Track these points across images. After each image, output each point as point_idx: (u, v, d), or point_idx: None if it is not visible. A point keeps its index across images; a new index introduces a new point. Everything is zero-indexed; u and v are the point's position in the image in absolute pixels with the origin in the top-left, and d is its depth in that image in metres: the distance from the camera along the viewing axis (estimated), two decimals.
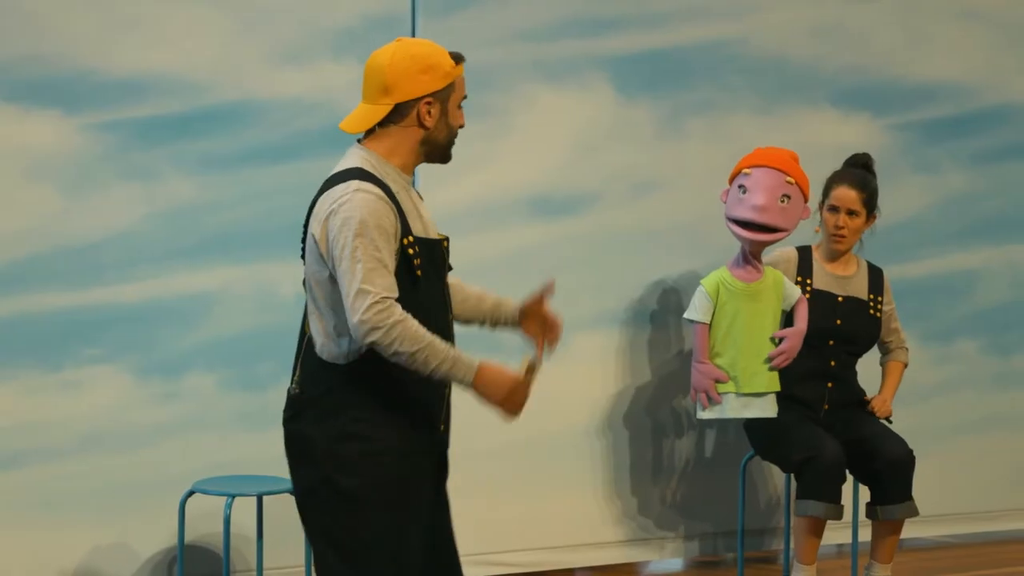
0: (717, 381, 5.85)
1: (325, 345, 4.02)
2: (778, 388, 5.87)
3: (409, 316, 3.92)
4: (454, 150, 4.16)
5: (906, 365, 6.17)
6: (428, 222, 4.14)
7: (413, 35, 6.01)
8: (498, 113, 6.19)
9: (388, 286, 3.91)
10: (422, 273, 4.03)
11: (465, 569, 6.26)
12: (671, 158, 6.47)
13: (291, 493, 4.21)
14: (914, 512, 5.84)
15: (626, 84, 6.37)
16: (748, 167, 5.82)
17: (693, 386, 5.90)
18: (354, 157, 4.06)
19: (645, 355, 6.47)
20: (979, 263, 7.03)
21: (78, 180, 5.60)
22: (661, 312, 6.47)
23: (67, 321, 5.61)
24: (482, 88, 6.15)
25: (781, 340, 5.83)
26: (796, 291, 5.89)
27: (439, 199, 6.05)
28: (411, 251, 4.01)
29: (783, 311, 5.90)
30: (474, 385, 4.03)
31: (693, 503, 6.54)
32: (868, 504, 5.88)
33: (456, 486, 6.17)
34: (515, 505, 6.27)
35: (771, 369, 5.83)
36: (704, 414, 5.89)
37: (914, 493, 5.86)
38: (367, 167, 4.02)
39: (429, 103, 4.04)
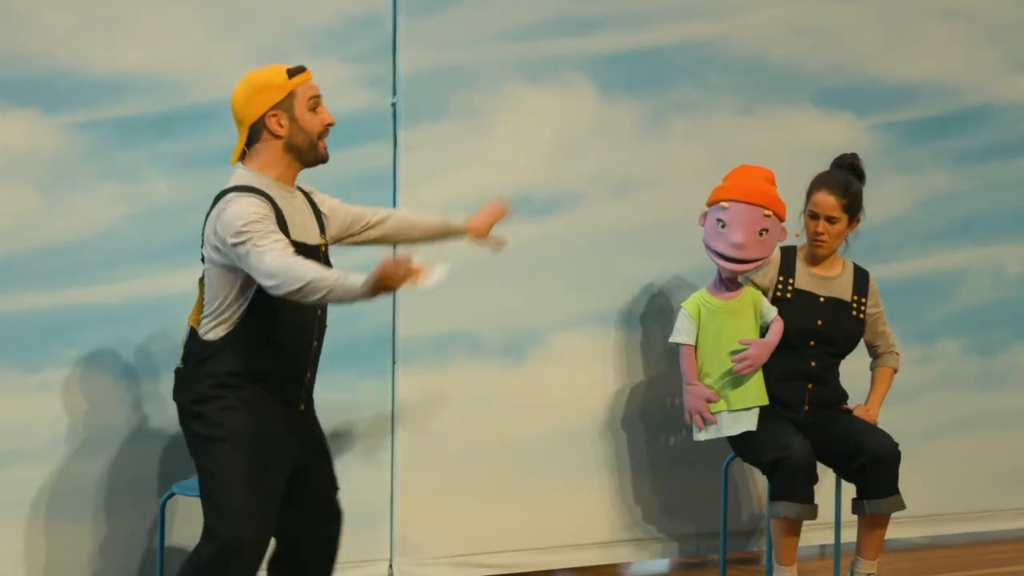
0: (709, 401, 5.85)
1: (203, 328, 4.74)
2: (766, 401, 5.88)
3: (308, 270, 4.44)
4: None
5: (896, 371, 6.16)
6: (309, 228, 4.78)
7: (394, 35, 6.00)
8: (479, 113, 6.17)
9: (284, 248, 4.52)
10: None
11: (447, 571, 6.28)
12: (653, 158, 6.46)
13: None
14: (901, 505, 5.84)
15: (608, 84, 6.36)
16: (726, 199, 5.80)
17: (686, 409, 5.91)
18: (234, 177, 4.75)
19: (628, 355, 6.45)
20: (962, 263, 7.03)
21: (56, 180, 5.57)
22: (644, 312, 6.46)
23: (45, 322, 5.58)
24: (463, 88, 6.14)
25: (747, 348, 5.84)
26: (772, 310, 5.91)
27: (422, 199, 6.05)
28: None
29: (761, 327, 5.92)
30: (374, 282, 4.35)
31: (676, 504, 6.53)
32: (854, 500, 5.88)
33: (436, 487, 6.20)
34: (496, 506, 6.25)
35: (733, 372, 5.83)
36: (700, 436, 5.91)
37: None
38: (243, 182, 4.69)
39: (274, 115, 4.71)
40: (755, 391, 5.88)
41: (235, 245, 4.55)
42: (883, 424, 6.04)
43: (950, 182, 6.98)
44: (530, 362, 6.31)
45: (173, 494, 5.51)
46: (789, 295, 5.97)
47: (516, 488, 6.28)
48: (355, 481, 5.88)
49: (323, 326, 4.88)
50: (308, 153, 4.77)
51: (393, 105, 6.02)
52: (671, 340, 5.96)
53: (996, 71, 7.05)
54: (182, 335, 4.95)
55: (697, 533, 6.56)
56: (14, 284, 5.54)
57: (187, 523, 5.73)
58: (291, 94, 4.73)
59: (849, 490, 5.96)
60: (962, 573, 6.61)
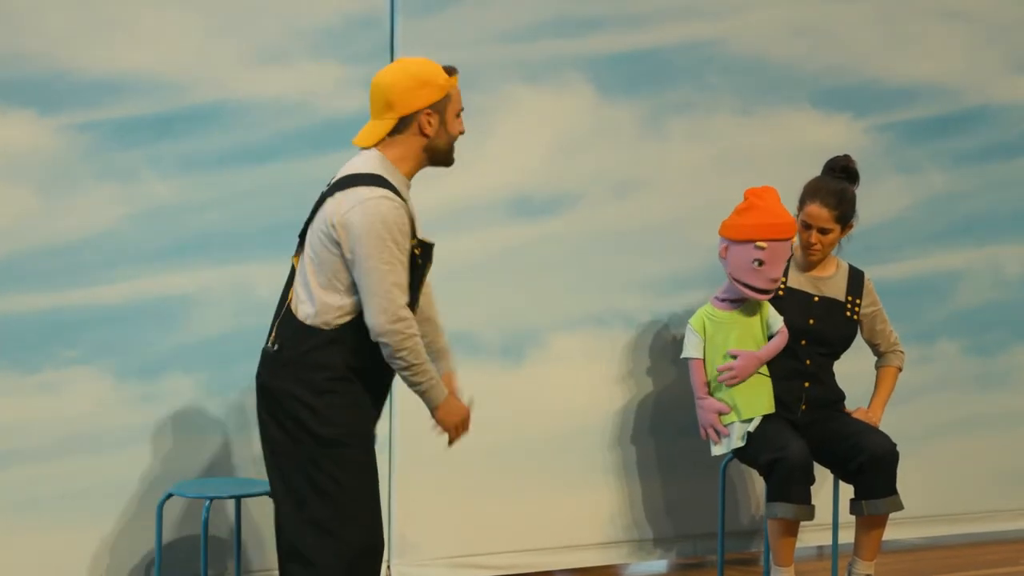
0: (720, 413, 5.85)
1: (309, 314, 4.52)
2: (772, 409, 5.88)
3: (417, 331, 4.50)
4: (455, 156, 4.68)
5: (900, 369, 6.15)
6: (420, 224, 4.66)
7: (392, 35, 6.01)
8: (479, 113, 6.15)
9: (405, 296, 4.47)
10: (419, 273, 4.59)
11: (445, 571, 6.29)
12: (652, 158, 6.46)
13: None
14: (899, 506, 5.84)
15: (607, 84, 6.36)
16: (763, 240, 5.75)
17: (700, 424, 5.92)
18: (373, 161, 4.56)
19: (627, 356, 6.45)
20: (961, 264, 7.02)
21: (55, 181, 5.58)
22: (643, 313, 6.46)
23: (45, 323, 5.58)
24: (462, 89, 6.11)
25: (735, 359, 5.84)
26: (779, 320, 5.90)
27: (421, 199, 6.03)
28: (417, 251, 4.57)
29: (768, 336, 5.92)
30: (439, 408, 4.64)
31: (674, 505, 6.53)
32: (852, 500, 5.87)
33: (436, 487, 6.20)
34: (495, 507, 6.26)
35: (717, 381, 5.84)
36: (717, 450, 5.92)
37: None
38: (385, 174, 4.53)
39: (429, 114, 4.59)
40: (764, 399, 5.87)
41: (365, 254, 4.43)
42: (883, 424, 6.03)
43: (950, 182, 6.98)
44: (529, 363, 6.31)
45: (171, 495, 5.52)
46: (781, 293, 5.97)
47: (514, 489, 6.28)
48: None
49: None
50: (443, 157, 4.68)
51: None
52: (682, 356, 5.97)
53: (996, 71, 7.05)
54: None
55: (695, 534, 6.56)
56: (14, 284, 5.55)
57: (185, 523, 5.74)
58: (447, 96, 4.64)
59: (847, 490, 5.96)
60: (961, 574, 6.61)
